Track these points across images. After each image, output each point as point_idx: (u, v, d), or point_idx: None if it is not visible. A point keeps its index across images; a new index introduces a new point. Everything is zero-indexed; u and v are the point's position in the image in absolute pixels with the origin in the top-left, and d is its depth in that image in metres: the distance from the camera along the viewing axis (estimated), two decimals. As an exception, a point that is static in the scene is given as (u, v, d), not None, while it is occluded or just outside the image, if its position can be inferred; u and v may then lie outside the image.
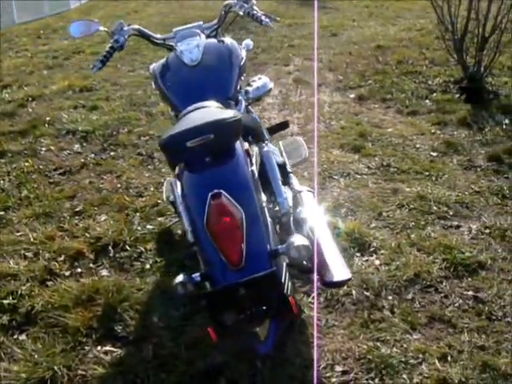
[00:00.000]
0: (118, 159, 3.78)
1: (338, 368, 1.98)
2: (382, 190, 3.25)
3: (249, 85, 2.78)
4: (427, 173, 3.43)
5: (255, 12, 2.65)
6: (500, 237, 2.72)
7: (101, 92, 5.29)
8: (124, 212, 3.06)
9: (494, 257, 2.56)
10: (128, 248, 2.72)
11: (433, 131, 4.15)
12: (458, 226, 2.84)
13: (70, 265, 2.61)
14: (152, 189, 3.34)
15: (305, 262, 1.76)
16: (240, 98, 2.60)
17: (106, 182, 3.44)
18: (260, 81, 2.80)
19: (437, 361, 2.00)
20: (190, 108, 2.07)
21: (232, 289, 1.55)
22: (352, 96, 5.12)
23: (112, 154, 3.87)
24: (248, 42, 2.80)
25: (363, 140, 3.99)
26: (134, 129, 4.30)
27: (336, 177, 3.43)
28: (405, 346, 2.07)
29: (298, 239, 1.66)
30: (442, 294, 2.34)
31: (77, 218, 3.03)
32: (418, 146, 3.88)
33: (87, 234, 2.84)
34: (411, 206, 3.02)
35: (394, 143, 3.93)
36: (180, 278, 1.67)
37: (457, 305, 2.28)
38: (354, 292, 2.34)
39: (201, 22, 2.85)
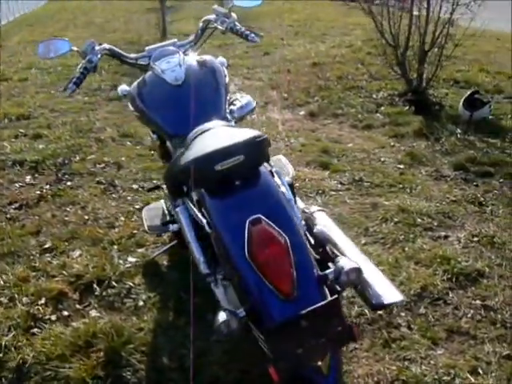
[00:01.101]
0: (78, 189, 3.52)
1: (375, 394, 1.89)
2: (361, 205, 3.23)
3: (232, 104, 2.67)
4: (400, 185, 3.45)
5: (239, 27, 2.56)
6: (489, 244, 2.75)
7: (40, 119, 4.96)
8: (99, 245, 2.84)
9: (489, 264, 2.58)
10: (115, 284, 2.51)
11: (392, 144, 4.21)
12: (446, 236, 2.86)
13: (53, 308, 2.36)
14: (123, 218, 3.12)
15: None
16: (229, 117, 2.49)
17: (70, 215, 3.18)
18: (243, 99, 2.70)
19: (468, 375, 1.96)
20: (199, 129, 1.93)
21: (293, 322, 1.43)
22: (302, 113, 5.11)
23: (69, 183, 3.60)
24: (222, 59, 2.70)
25: (328, 156, 3.97)
26: (86, 156, 4.05)
27: (312, 195, 3.37)
28: (432, 362, 2.02)
29: (346, 262, 1.57)
30: (452, 306, 2.33)
31: (48, 255, 2.77)
32: (382, 159, 3.90)
33: (65, 273, 2.59)
34: (395, 220, 3.01)
35: (359, 158, 3.93)
36: (223, 316, 1.52)
37: (469, 315, 2.26)
38: (367, 311, 2.26)
39: (175, 40, 2.72)
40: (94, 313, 2.33)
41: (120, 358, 2.05)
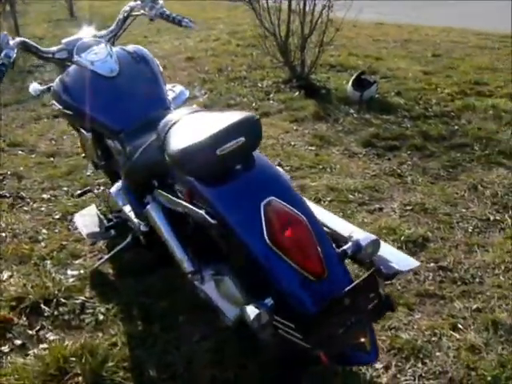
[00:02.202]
0: (-21, 207, 3.12)
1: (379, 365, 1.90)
2: (289, 188, 3.23)
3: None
4: (320, 166, 3.52)
5: (169, 13, 2.43)
6: (422, 211, 2.91)
7: None
8: (29, 263, 2.53)
9: (430, 229, 2.73)
10: (65, 301, 2.25)
11: (295, 128, 4.29)
12: (380, 209, 2.97)
13: (2, 338, 2.05)
14: (45, 231, 2.82)
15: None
16: (171, 107, 2.35)
17: (-19, 235, 2.80)
18: (176, 89, 2.58)
19: (452, 332, 2.05)
20: (169, 118, 1.78)
21: (338, 302, 1.37)
22: (195, 106, 5.00)
23: (-34, 203, 3.18)
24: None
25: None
26: (-24, 169, 3.60)
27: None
28: (416, 327, 2.08)
29: (364, 235, 1.55)
30: (412, 272, 2.41)
31: (-29, 283, 2.41)
32: (292, 143, 3.96)
33: (1, 298, 2.27)
34: (328, 199, 3.07)
35: (269, 144, 3.94)
36: (252, 309, 1.42)
37: (430, 278, 2.37)
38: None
39: (94, 32, 2.51)
40: (51, 336, 2.07)
41: (103, 380, 1.84)
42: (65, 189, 3.28)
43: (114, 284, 2.39)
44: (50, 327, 2.12)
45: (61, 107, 2.32)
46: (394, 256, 1.61)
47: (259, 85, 5.52)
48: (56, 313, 2.19)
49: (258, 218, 1.46)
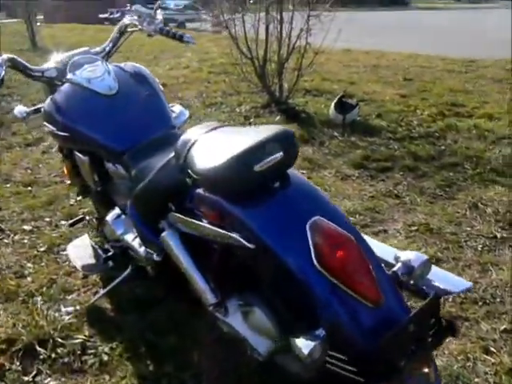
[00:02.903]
0: (-47, 241, 2.87)
1: None
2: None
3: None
4: (314, 188, 3.41)
5: (169, 28, 2.30)
6: (428, 231, 2.82)
7: None
8: (17, 300, 2.30)
9: (439, 250, 2.64)
10: (62, 342, 2.03)
11: (281, 152, 4.18)
12: (385, 230, 2.87)
13: (-5, 387, 1.83)
14: (30, 265, 2.59)
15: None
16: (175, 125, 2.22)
17: (-42, 272, 2.56)
18: (176, 108, 2.44)
19: (485, 355, 1.94)
20: (189, 136, 1.62)
21: (403, 329, 1.24)
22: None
23: None
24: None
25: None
26: None
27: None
28: (447, 352, 1.96)
29: (413, 255, 1.43)
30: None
31: (-48, 325, 2.17)
32: (281, 166, 3.84)
33: (-12, 342, 2.04)
34: (329, 221, 2.95)
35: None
36: (304, 342, 1.27)
37: (451, 300, 2.26)
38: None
39: (87, 48, 2.37)
40: (51, 382, 1.86)
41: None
42: (47, 219, 3.06)
43: (115, 320, 2.18)
44: (48, 372, 1.90)
45: (54, 129, 2.14)
46: (443, 277, 1.49)
47: (237, 110, 5.43)
48: (53, 355, 1.97)
49: (304, 240, 1.32)
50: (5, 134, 4.78)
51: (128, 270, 2.17)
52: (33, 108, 2.44)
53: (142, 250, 1.95)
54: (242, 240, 1.40)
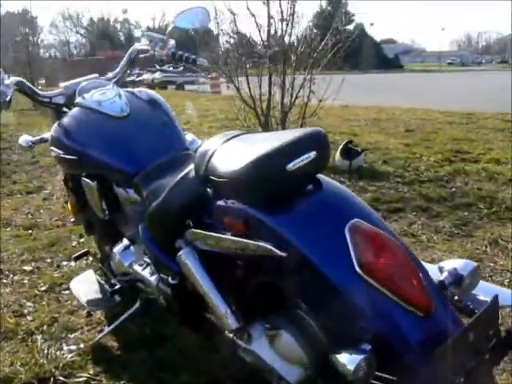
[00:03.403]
0: None
1: None
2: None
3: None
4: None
5: (182, 52, 2.24)
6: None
7: None
8: (15, 338, 2.14)
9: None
10: (64, 380, 1.86)
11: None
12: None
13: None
14: (30, 304, 2.43)
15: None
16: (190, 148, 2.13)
17: (-49, 311, 2.39)
18: (189, 137, 2.35)
19: None
20: (215, 142, 1.52)
21: (462, 339, 1.09)
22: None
23: None
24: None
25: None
26: None
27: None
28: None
29: (461, 263, 1.30)
30: None
31: None
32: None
33: (-17, 381, 1.87)
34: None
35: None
36: (347, 359, 1.12)
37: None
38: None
39: (96, 75, 2.31)
40: (56, 420, 1.68)
41: None
42: (48, 260, 2.92)
43: (122, 358, 2.01)
44: (49, 411, 1.73)
45: (61, 152, 2.05)
46: (489, 289, 1.36)
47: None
48: (55, 394, 1.80)
49: (343, 244, 1.19)
50: (5, 183, 4.68)
51: (136, 305, 2.02)
52: (38, 137, 2.37)
53: (153, 278, 1.81)
54: (271, 248, 1.26)
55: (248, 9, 4.79)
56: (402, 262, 1.18)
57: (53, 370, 1.90)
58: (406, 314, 1.15)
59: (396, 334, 1.15)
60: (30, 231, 3.39)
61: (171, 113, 2.15)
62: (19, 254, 3.00)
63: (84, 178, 2.09)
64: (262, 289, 1.52)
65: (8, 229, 3.46)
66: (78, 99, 2.08)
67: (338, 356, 1.14)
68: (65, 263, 2.85)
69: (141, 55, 2.30)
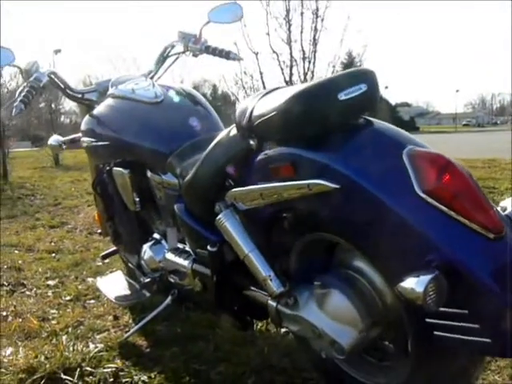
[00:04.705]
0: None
1: None
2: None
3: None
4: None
5: (215, 46, 2.24)
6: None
7: None
8: (39, 337, 2.03)
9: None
10: (92, 371, 1.74)
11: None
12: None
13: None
14: (54, 311, 2.33)
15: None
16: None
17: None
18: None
19: None
20: (254, 97, 1.47)
21: None
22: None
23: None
24: None
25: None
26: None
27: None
28: None
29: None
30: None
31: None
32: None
33: (4, 371, 1.74)
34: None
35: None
36: (414, 282, 1.00)
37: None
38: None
39: (129, 74, 2.32)
40: (81, 409, 1.54)
41: None
42: (72, 277, 2.82)
43: (152, 354, 1.88)
44: (78, 400, 1.59)
45: (93, 140, 2.02)
46: None
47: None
48: (81, 383, 1.67)
49: (403, 169, 1.10)
50: (28, 220, 4.66)
51: (167, 301, 1.92)
52: (69, 137, 2.35)
53: (187, 262, 1.72)
54: (324, 182, 1.18)
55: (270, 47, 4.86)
56: (467, 182, 1.09)
57: (79, 361, 1.78)
58: (476, 235, 1.04)
59: (465, 259, 1.03)
60: (54, 254, 3.32)
61: (206, 102, 2.12)
62: (42, 272, 2.92)
63: (116, 168, 2.04)
64: (308, 249, 1.43)
65: (31, 254, 3.39)
66: (111, 90, 2.07)
67: (403, 284, 1.03)
68: (90, 279, 2.75)
69: (172, 53, 2.31)
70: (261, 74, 5.36)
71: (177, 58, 2.31)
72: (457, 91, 65.24)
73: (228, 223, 1.47)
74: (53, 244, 3.64)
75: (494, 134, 29.52)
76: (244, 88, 5.95)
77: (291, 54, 5.01)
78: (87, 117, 2.11)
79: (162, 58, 2.29)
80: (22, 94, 1.89)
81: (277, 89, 1.47)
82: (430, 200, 1.06)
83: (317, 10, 7.30)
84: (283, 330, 1.96)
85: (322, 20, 7.21)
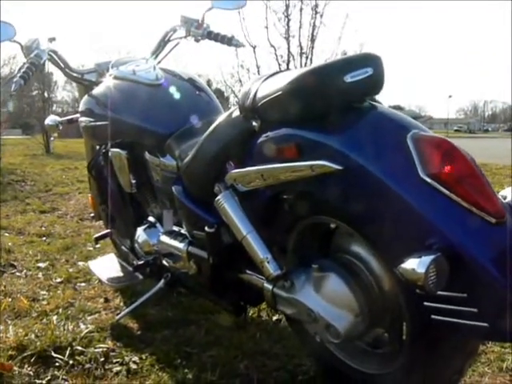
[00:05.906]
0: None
1: None
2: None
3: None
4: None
5: (217, 32, 2.23)
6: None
7: None
8: (29, 317, 2.01)
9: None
10: (82, 349, 1.72)
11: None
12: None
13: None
14: (44, 292, 2.30)
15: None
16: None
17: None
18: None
19: None
20: (258, 78, 1.47)
21: None
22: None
23: None
24: None
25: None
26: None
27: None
28: None
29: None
30: None
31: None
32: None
33: (-7, 348, 1.73)
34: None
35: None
36: (416, 263, 0.99)
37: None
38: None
39: (130, 55, 2.30)
40: (69, 386, 1.53)
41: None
42: (63, 260, 2.80)
43: (143, 336, 1.87)
44: (64, 377, 1.58)
45: (91, 119, 2.00)
46: None
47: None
48: (71, 361, 1.66)
49: (407, 152, 1.10)
50: (19, 204, 4.61)
51: (159, 284, 1.90)
52: (66, 118, 2.33)
53: (182, 245, 1.71)
54: (326, 163, 1.17)
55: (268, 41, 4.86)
56: (471, 167, 1.09)
57: (70, 341, 1.77)
58: (478, 219, 1.04)
59: (466, 243, 1.03)
60: (45, 238, 3.30)
61: (207, 87, 2.11)
62: (33, 255, 2.89)
63: (113, 149, 2.03)
64: (307, 233, 1.43)
65: (21, 237, 3.36)
66: (112, 71, 2.05)
67: (404, 265, 1.03)
68: (81, 263, 2.73)
69: (174, 37, 2.29)
70: (258, 67, 5.35)
71: (178, 43, 2.29)
72: (449, 97, 65.35)
73: (227, 204, 1.46)
74: (43, 228, 3.61)
75: (484, 140, 29.79)
76: (240, 81, 5.91)
77: (289, 48, 5.01)
78: (86, 97, 2.09)
79: (163, 43, 2.27)
80: (22, 70, 1.87)
81: (281, 71, 1.46)
82: (433, 184, 1.06)
83: (316, 6, 7.30)
84: (275, 317, 1.97)
85: (321, 16, 7.21)
